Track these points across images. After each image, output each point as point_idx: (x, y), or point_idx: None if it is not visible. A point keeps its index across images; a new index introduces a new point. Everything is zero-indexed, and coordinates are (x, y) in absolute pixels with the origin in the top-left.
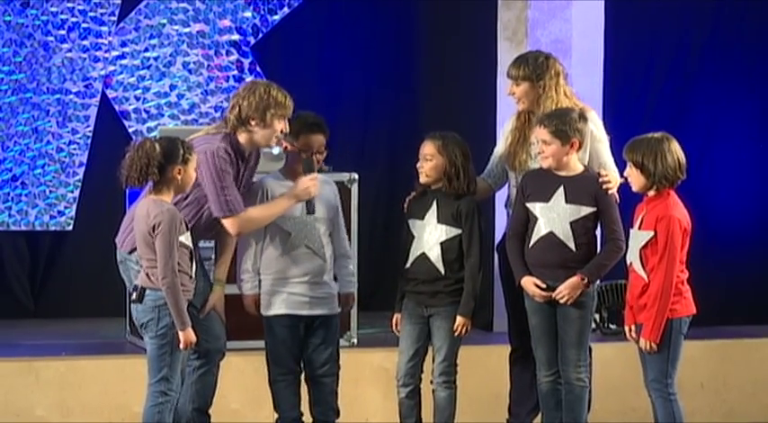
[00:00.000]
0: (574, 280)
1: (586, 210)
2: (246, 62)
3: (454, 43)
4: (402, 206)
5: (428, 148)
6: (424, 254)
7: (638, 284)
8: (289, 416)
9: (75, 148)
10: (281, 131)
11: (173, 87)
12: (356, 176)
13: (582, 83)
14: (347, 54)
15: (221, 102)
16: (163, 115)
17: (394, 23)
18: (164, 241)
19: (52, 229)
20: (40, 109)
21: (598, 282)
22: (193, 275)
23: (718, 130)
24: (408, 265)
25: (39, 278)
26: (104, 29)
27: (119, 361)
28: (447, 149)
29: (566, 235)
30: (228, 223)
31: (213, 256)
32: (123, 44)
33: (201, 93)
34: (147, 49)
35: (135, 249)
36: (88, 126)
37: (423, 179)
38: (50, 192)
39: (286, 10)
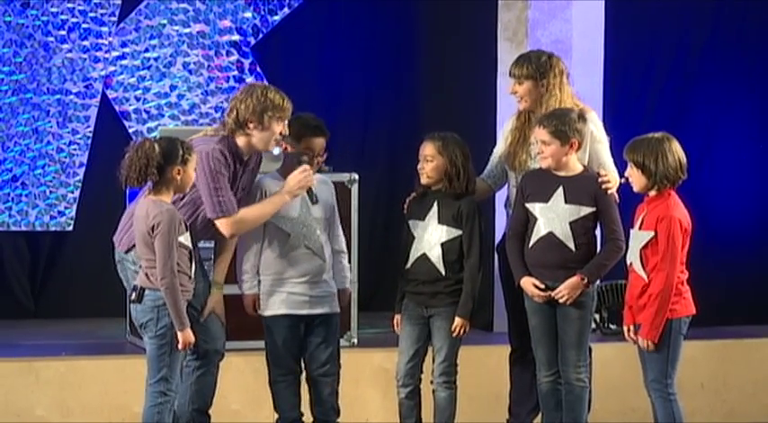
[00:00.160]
0: (573, 280)
1: (586, 210)
2: (247, 63)
3: (454, 43)
4: (402, 207)
5: (428, 149)
6: (424, 254)
7: (637, 285)
8: (289, 416)
9: (75, 149)
10: (280, 134)
11: (173, 88)
12: (356, 177)
13: (582, 83)
14: (347, 54)
15: (221, 102)
16: (163, 116)
17: (394, 23)
18: (163, 241)
19: (52, 229)
20: (40, 109)
21: (598, 282)
22: (193, 276)
23: (718, 130)
24: (408, 265)
25: (39, 278)
26: (105, 29)
27: (119, 361)
28: (448, 150)
29: (565, 235)
30: (221, 224)
31: (213, 257)
32: (123, 44)
33: (202, 93)
34: (147, 50)
35: (132, 249)
36: (88, 126)
37: (424, 180)
38: (51, 192)
39: (286, 10)
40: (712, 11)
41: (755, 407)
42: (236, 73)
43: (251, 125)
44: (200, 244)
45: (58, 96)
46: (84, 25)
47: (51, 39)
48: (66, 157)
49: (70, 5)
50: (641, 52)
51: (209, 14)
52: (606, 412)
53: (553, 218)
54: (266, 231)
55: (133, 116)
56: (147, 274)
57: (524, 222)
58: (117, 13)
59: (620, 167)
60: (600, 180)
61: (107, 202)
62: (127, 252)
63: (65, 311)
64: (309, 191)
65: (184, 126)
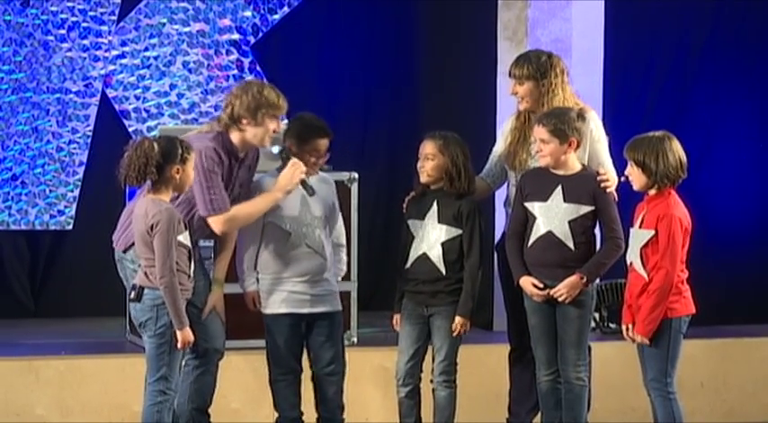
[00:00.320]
0: (573, 279)
1: (585, 209)
2: (246, 61)
3: (454, 43)
4: (401, 206)
5: (429, 148)
6: (425, 254)
7: (638, 284)
8: (289, 416)
9: (75, 148)
10: (274, 131)
11: (173, 87)
12: (356, 176)
13: (582, 83)
14: (347, 54)
15: (221, 101)
16: (163, 114)
17: (394, 23)
18: (162, 240)
19: (52, 228)
20: (40, 108)
21: (598, 281)
22: (192, 275)
23: (718, 130)
24: (408, 265)
25: (39, 277)
26: (104, 28)
27: (118, 360)
28: (449, 149)
29: (564, 234)
30: (213, 222)
31: (212, 255)
32: (123, 43)
33: (201, 92)
34: (147, 49)
35: (130, 248)
36: (88, 125)
37: (424, 179)
38: (50, 191)
39: (286, 9)
40: (712, 11)
41: (755, 406)
42: (235, 72)
43: (244, 121)
44: (201, 243)
45: (57, 95)
46: (84, 24)
47: (51, 37)
48: (65, 156)
49: (70, 4)
50: (641, 52)
51: (209, 13)
52: (606, 411)
53: (552, 217)
54: (266, 230)
55: (133, 115)
56: (146, 273)
57: (523, 221)
58: (117, 11)
59: (620, 167)
60: (599, 179)
61: (107, 201)
62: (125, 251)
63: (64, 310)
64: (304, 183)
65: (184, 125)
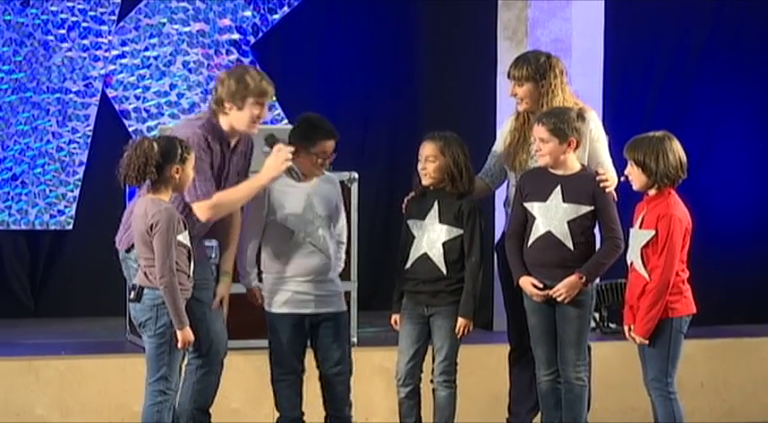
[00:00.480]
0: (572, 279)
1: (584, 209)
2: (246, 61)
3: (454, 43)
4: (401, 206)
5: (430, 149)
6: (425, 254)
7: (638, 284)
8: (289, 416)
9: (75, 148)
10: (258, 117)
11: (173, 86)
12: (356, 176)
13: (582, 83)
14: (347, 54)
15: None
16: (163, 114)
17: (394, 23)
18: (161, 240)
19: (52, 228)
20: (40, 108)
21: (597, 281)
22: (191, 274)
23: (718, 130)
24: (409, 265)
25: (39, 277)
26: (104, 28)
27: (118, 360)
28: (449, 149)
29: (564, 234)
30: (198, 208)
31: (214, 255)
32: (123, 43)
33: (201, 92)
34: (147, 49)
35: (132, 247)
36: (88, 125)
37: (426, 181)
38: (50, 191)
39: (286, 9)
40: (712, 11)
41: (755, 406)
42: None
43: (227, 106)
44: (207, 243)
45: (57, 95)
46: (84, 24)
47: (51, 37)
48: (65, 156)
49: (70, 4)
50: (641, 52)
51: (209, 13)
52: (606, 411)
53: (551, 217)
54: (269, 228)
55: (133, 115)
56: (145, 273)
57: (523, 222)
58: (117, 11)
59: (620, 167)
60: (598, 179)
61: (107, 201)
62: (128, 251)
63: (64, 310)
64: (290, 170)
65: None
